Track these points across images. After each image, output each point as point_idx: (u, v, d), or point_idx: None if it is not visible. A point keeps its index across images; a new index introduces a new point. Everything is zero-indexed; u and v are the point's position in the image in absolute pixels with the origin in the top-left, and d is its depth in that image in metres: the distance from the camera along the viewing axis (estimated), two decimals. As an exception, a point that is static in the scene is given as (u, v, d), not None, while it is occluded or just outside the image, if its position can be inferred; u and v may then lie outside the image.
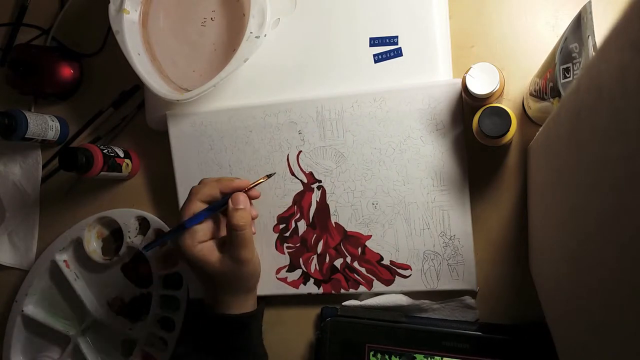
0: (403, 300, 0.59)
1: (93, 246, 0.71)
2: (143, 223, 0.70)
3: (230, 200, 0.53)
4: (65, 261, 0.72)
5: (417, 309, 0.59)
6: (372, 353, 0.57)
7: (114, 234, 0.72)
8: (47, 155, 0.75)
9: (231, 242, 0.53)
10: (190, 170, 0.65)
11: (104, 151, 0.65)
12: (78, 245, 0.72)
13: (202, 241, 0.53)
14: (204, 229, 0.53)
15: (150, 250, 0.61)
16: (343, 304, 0.61)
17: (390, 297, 0.59)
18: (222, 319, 0.55)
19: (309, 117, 0.60)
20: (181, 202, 0.65)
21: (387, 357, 0.56)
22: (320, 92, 0.60)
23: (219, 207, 0.55)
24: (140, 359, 0.68)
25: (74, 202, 0.73)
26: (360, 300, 0.61)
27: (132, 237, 0.69)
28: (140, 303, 0.70)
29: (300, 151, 0.61)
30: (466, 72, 0.51)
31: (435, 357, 0.55)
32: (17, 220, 0.75)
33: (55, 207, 0.74)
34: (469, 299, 0.58)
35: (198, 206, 0.53)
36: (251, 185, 0.57)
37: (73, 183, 0.73)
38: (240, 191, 0.55)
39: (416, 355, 0.56)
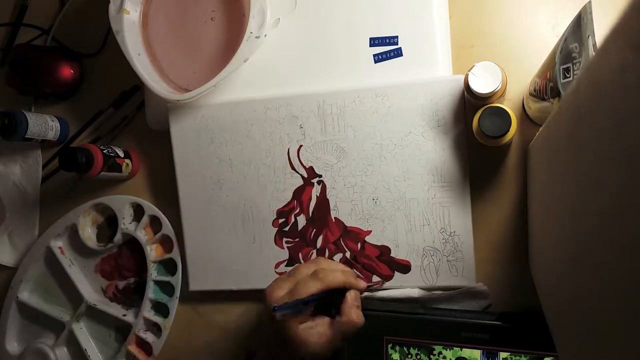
0: (415, 292, 0.58)
1: (88, 233, 0.71)
2: (138, 209, 0.70)
3: (349, 296, 0.54)
4: (60, 248, 0.72)
5: (429, 300, 0.59)
6: (390, 345, 0.56)
7: (108, 221, 0.72)
8: (47, 155, 0.75)
9: (340, 332, 0.53)
10: (190, 164, 0.65)
11: (104, 151, 0.65)
12: (73, 232, 0.72)
13: (302, 321, 0.53)
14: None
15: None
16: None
17: (402, 290, 0.59)
18: None
19: (310, 111, 0.60)
20: (182, 200, 0.65)
21: (405, 349, 0.56)
22: (321, 88, 0.60)
23: (330, 296, 0.54)
24: (135, 345, 0.69)
25: (74, 203, 0.73)
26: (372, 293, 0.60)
27: (127, 224, 0.69)
28: (134, 289, 0.71)
29: (301, 145, 0.61)
30: (469, 70, 0.50)
31: (455, 348, 0.55)
32: (17, 220, 0.75)
33: (55, 208, 0.74)
34: (480, 285, 0.57)
35: (317, 288, 0.53)
36: (367, 286, 0.58)
37: (73, 183, 0.73)
38: (359, 290, 0.56)
39: (435, 347, 0.55)
